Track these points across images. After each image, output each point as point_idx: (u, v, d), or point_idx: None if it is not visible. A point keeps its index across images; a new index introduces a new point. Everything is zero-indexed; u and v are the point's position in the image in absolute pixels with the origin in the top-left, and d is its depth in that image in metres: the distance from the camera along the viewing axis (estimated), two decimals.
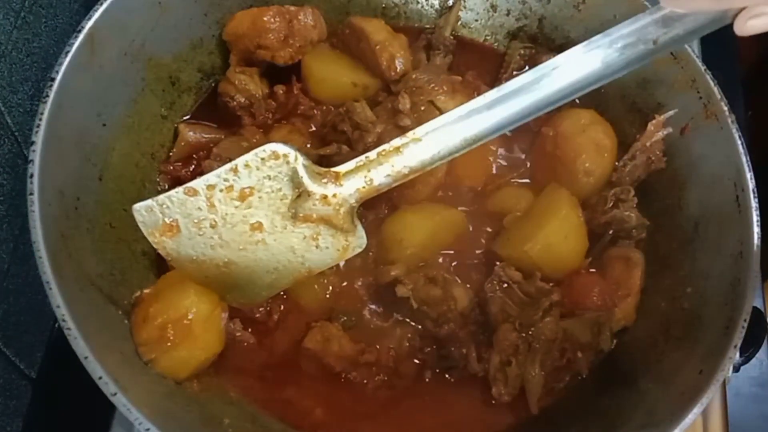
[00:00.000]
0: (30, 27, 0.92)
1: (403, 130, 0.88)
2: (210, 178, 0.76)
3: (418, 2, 1.07)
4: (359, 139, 0.88)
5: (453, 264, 0.91)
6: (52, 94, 0.73)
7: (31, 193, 0.69)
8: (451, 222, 0.92)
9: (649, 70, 0.92)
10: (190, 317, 0.75)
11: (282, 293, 0.85)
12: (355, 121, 0.89)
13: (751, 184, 0.81)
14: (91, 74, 0.79)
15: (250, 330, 0.84)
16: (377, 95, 0.97)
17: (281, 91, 0.96)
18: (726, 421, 0.95)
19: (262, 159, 0.75)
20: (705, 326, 0.78)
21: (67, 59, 0.75)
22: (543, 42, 1.04)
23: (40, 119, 0.72)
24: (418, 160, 0.74)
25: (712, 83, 0.86)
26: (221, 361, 0.81)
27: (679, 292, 0.84)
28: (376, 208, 0.90)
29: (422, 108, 0.93)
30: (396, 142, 0.74)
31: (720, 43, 1.05)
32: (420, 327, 0.86)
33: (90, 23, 0.78)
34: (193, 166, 0.93)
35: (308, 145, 0.93)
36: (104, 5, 0.79)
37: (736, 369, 0.75)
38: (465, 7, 1.07)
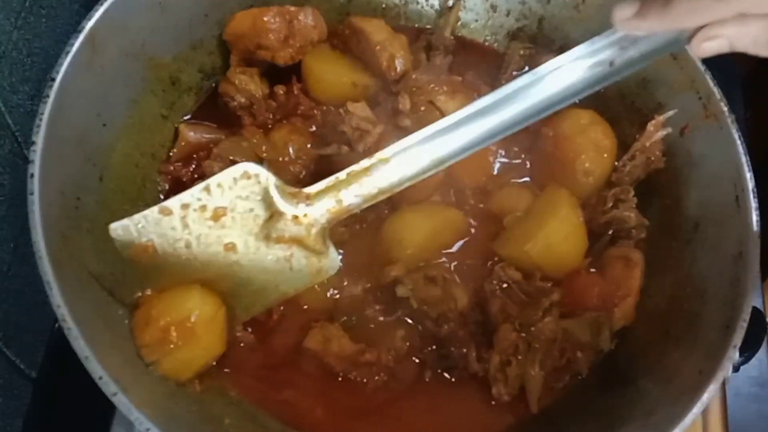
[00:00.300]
0: (30, 27, 0.92)
1: (403, 131, 0.89)
2: (184, 197, 0.77)
3: (418, 2, 1.08)
4: (359, 140, 0.88)
5: (453, 264, 0.91)
6: (52, 94, 0.73)
7: (32, 193, 0.69)
8: (451, 222, 0.92)
9: (649, 71, 0.92)
10: (193, 319, 0.74)
11: None
12: (355, 122, 0.89)
13: (750, 184, 0.81)
14: (92, 74, 0.79)
15: (250, 330, 0.84)
16: (377, 95, 0.97)
17: (281, 92, 0.96)
18: (726, 421, 0.95)
19: (234, 179, 0.76)
20: (705, 326, 0.78)
21: (68, 59, 0.75)
22: (543, 42, 1.04)
23: (41, 119, 0.72)
24: (387, 181, 0.75)
25: (711, 83, 0.87)
26: (222, 361, 0.81)
27: (679, 292, 0.84)
28: (377, 209, 0.90)
29: (422, 108, 0.93)
30: (364, 162, 0.75)
31: None
32: (420, 327, 0.86)
33: (90, 23, 0.78)
34: (194, 167, 0.93)
35: (308, 146, 0.93)
36: (104, 5, 0.79)
37: (736, 369, 0.75)
38: (465, 8, 1.07)
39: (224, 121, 0.97)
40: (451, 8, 1.06)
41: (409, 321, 0.87)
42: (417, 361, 0.85)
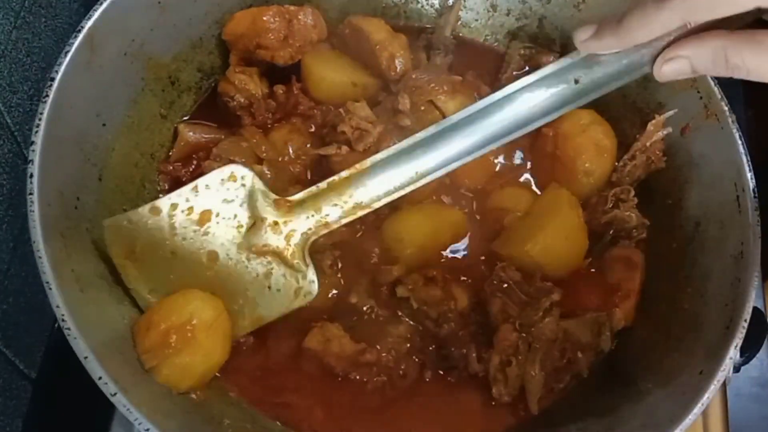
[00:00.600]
0: (30, 27, 0.92)
1: (403, 130, 0.89)
2: (173, 196, 0.78)
3: (418, 2, 1.07)
4: (359, 139, 0.88)
5: (453, 264, 0.91)
6: (51, 94, 0.73)
7: (31, 193, 0.69)
8: (451, 222, 0.92)
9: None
10: (194, 322, 0.73)
11: None
12: (355, 122, 0.89)
13: (751, 184, 0.81)
14: (91, 74, 0.79)
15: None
16: (377, 95, 0.97)
17: (281, 91, 0.96)
18: (726, 422, 0.95)
19: (222, 180, 0.78)
20: (705, 326, 0.78)
21: (67, 59, 0.75)
22: (543, 42, 1.04)
23: (40, 119, 0.72)
24: (367, 196, 0.77)
25: (712, 83, 0.86)
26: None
27: (680, 292, 0.84)
28: (376, 209, 0.90)
29: (422, 108, 0.93)
30: (343, 173, 0.77)
31: None
32: (420, 327, 0.86)
33: (90, 23, 0.78)
34: (193, 166, 0.93)
35: (308, 145, 0.93)
36: (104, 5, 0.79)
37: (737, 369, 0.74)
38: (465, 7, 1.07)
39: (224, 120, 0.96)
40: (451, 8, 1.06)
41: (410, 321, 0.87)
42: (417, 361, 0.85)
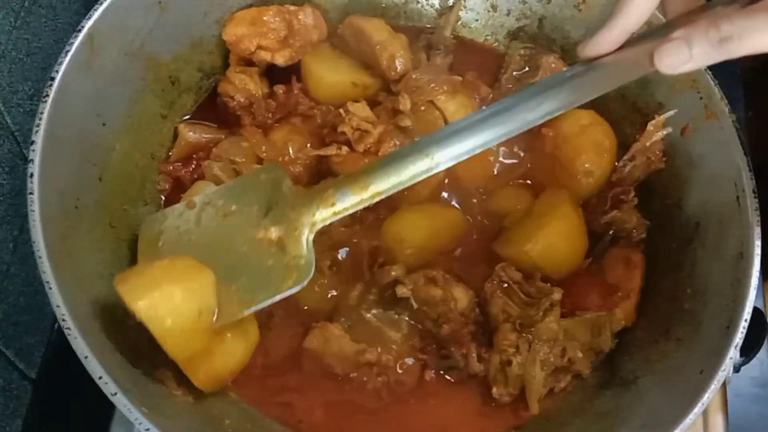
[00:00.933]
0: (30, 27, 0.92)
1: (403, 131, 0.89)
2: (210, 195, 0.81)
3: (418, 2, 1.07)
4: (359, 140, 0.88)
5: (453, 264, 0.91)
6: (51, 94, 0.73)
7: (31, 193, 0.69)
8: (451, 222, 0.92)
9: None
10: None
11: None
12: (355, 122, 0.89)
13: (751, 184, 0.80)
14: (91, 74, 0.79)
15: None
16: (377, 95, 0.97)
17: (281, 91, 0.96)
18: (726, 422, 0.95)
19: (255, 178, 0.81)
20: (705, 326, 0.78)
21: (67, 59, 0.75)
22: (543, 42, 1.04)
23: (40, 119, 0.72)
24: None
25: (712, 83, 0.86)
26: None
27: (680, 292, 0.84)
28: (377, 209, 0.90)
29: (422, 108, 0.93)
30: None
31: None
32: (420, 327, 0.86)
33: (90, 23, 0.78)
34: (193, 167, 0.93)
35: (308, 145, 0.93)
36: (104, 5, 0.79)
37: (737, 369, 0.74)
38: (465, 7, 1.07)
39: (224, 120, 0.96)
40: (451, 8, 1.06)
41: (410, 321, 0.87)
42: (417, 361, 0.85)
